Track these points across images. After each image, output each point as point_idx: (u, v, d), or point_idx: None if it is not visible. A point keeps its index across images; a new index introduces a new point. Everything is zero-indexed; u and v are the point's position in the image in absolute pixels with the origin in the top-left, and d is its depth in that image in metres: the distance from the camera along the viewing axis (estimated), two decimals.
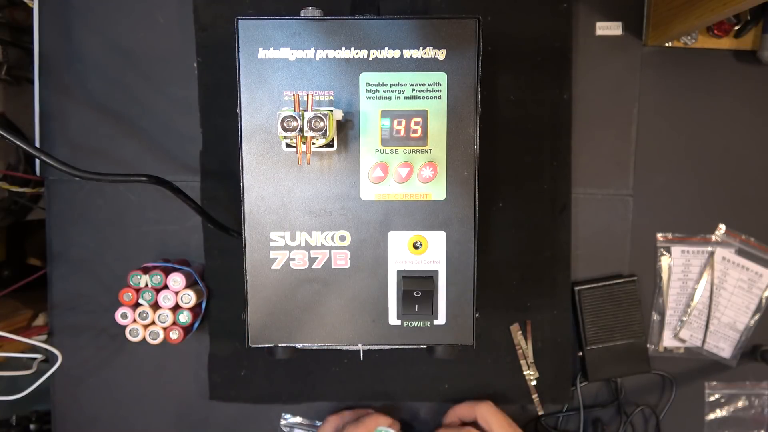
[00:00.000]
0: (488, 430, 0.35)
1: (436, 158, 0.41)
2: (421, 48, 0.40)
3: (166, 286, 0.58)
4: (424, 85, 0.41)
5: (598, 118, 0.62)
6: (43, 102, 0.61)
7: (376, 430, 0.40)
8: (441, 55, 0.40)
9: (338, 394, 0.62)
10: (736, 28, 0.61)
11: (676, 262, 0.65)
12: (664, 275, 0.65)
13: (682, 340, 0.65)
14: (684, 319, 0.65)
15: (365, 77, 0.41)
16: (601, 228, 0.63)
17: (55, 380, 0.63)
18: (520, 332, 0.62)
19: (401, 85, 0.41)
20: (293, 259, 0.43)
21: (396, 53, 0.40)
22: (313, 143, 0.39)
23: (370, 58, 0.40)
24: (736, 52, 0.63)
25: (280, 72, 0.40)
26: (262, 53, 0.40)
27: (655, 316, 0.65)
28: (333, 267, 0.43)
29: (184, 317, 0.57)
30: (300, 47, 0.40)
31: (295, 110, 0.37)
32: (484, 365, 0.62)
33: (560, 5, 0.60)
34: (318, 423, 0.63)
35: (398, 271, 0.43)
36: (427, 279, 0.43)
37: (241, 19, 0.40)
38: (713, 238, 0.65)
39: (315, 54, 0.40)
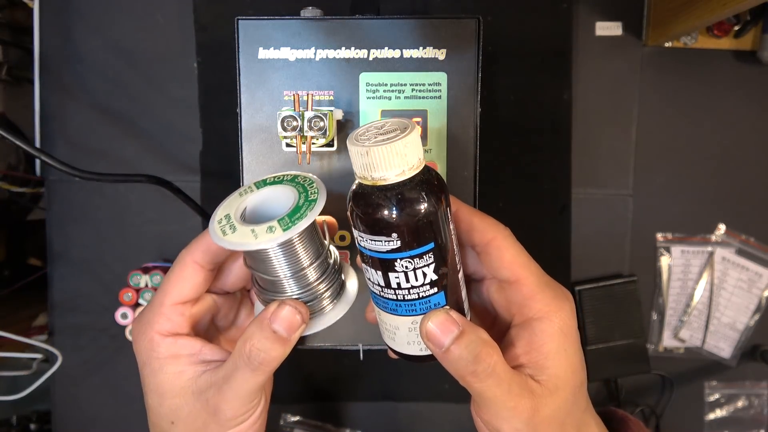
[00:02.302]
0: (498, 257, 0.30)
1: (436, 158, 0.41)
2: (421, 48, 0.40)
3: None
4: (424, 85, 0.41)
5: (598, 118, 0.62)
6: (43, 102, 0.61)
7: None
8: (441, 55, 0.40)
9: (338, 394, 0.62)
10: (736, 28, 0.61)
11: (676, 262, 0.65)
12: (664, 275, 0.65)
13: (682, 340, 0.65)
14: (684, 319, 0.65)
15: (365, 77, 0.40)
16: (601, 228, 0.63)
17: (55, 380, 0.63)
18: None
19: (401, 85, 0.41)
20: None
21: (396, 53, 0.40)
22: (313, 143, 0.39)
23: (370, 58, 0.40)
24: (736, 52, 0.63)
25: (280, 72, 0.40)
26: (262, 53, 0.40)
27: (655, 316, 0.65)
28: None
29: None
30: (300, 47, 0.40)
31: (295, 110, 0.37)
32: None
33: (560, 5, 0.60)
34: (318, 423, 0.63)
35: None
36: None
37: (241, 19, 0.40)
38: (713, 238, 0.65)
39: (315, 54, 0.40)
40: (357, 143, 0.27)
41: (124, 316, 0.57)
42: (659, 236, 0.65)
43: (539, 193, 0.61)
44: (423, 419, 0.64)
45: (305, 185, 0.32)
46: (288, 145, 0.40)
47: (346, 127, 0.41)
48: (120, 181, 0.56)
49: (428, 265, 0.28)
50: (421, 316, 0.29)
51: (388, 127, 0.28)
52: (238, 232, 0.29)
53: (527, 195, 0.61)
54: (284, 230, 0.28)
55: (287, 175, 0.34)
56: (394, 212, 0.27)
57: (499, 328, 0.33)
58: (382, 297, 0.30)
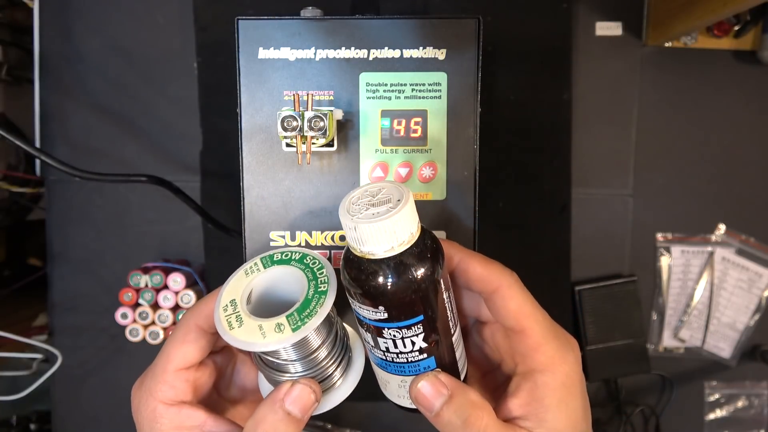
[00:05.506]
0: (503, 307, 0.30)
1: (436, 158, 0.41)
2: (421, 48, 0.40)
3: (166, 286, 0.58)
4: (424, 85, 0.41)
5: (598, 118, 0.62)
6: (43, 102, 0.61)
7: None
8: (441, 55, 0.40)
9: None
10: (736, 28, 0.61)
11: (676, 262, 0.65)
12: (664, 275, 0.65)
13: (682, 340, 0.65)
14: (684, 319, 0.65)
15: (365, 77, 0.40)
16: (601, 228, 0.63)
17: (55, 380, 0.63)
18: None
19: (401, 85, 0.41)
20: None
21: (396, 53, 0.40)
22: (313, 143, 0.39)
23: (370, 58, 0.40)
24: (736, 52, 0.63)
25: (280, 72, 0.40)
26: (262, 53, 0.40)
27: (655, 316, 0.65)
28: (333, 267, 0.43)
29: None
30: (300, 47, 0.40)
31: (295, 110, 0.37)
32: None
33: (560, 5, 0.60)
34: (318, 423, 0.63)
35: None
36: None
37: (241, 19, 0.40)
38: (713, 238, 0.65)
39: (315, 54, 0.40)
40: (347, 215, 0.26)
41: (124, 316, 0.57)
42: (659, 236, 0.65)
43: (539, 193, 0.61)
44: (423, 419, 0.63)
45: (315, 270, 0.31)
46: (288, 145, 0.41)
47: (346, 127, 0.41)
48: (120, 181, 0.56)
49: (417, 335, 0.28)
50: (411, 378, 0.30)
51: (382, 195, 0.27)
52: (244, 326, 0.28)
53: (527, 195, 0.61)
54: (293, 330, 0.27)
55: (296, 253, 0.32)
56: (381, 287, 0.26)
57: (504, 371, 0.33)
58: (373, 354, 0.31)
